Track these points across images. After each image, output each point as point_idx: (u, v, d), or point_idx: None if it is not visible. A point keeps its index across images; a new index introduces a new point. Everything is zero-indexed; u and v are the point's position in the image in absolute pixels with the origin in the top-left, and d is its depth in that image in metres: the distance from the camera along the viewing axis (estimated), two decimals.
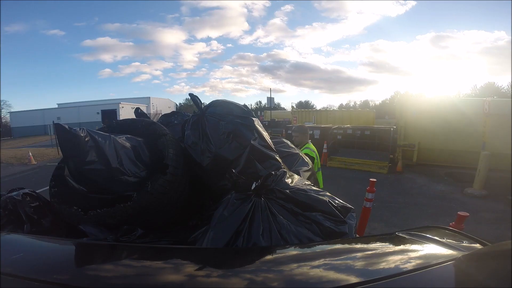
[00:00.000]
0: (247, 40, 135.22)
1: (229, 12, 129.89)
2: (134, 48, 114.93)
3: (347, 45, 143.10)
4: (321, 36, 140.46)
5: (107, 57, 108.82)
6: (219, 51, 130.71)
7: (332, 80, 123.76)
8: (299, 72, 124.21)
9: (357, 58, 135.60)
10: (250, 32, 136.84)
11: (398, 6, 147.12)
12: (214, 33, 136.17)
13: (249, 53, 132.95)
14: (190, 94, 1.42)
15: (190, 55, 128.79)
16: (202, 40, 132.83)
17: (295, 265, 0.64)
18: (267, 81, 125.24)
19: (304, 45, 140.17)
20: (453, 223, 2.27)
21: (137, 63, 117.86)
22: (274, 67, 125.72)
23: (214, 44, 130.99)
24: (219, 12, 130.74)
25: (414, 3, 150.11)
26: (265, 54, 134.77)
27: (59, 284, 0.53)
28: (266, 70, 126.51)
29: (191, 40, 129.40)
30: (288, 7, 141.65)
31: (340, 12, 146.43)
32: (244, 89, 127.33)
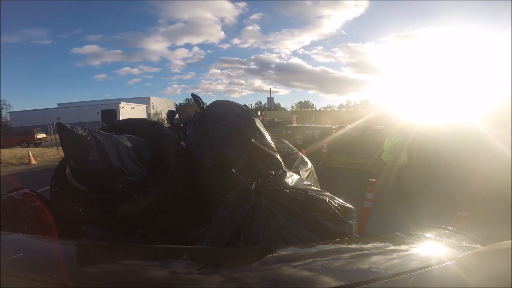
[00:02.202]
0: (225, 46, 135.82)
1: (203, 22, 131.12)
2: (123, 55, 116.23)
3: (321, 47, 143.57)
4: (293, 41, 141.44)
5: (97, 63, 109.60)
6: (202, 56, 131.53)
7: (322, 81, 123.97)
8: (287, 74, 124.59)
9: (336, 60, 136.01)
10: (226, 40, 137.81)
11: (353, 8, 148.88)
12: (194, 40, 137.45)
13: (231, 57, 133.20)
14: (192, 94, 1.46)
15: (176, 60, 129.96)
16: (184, 46, 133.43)
17: (295, 265, 0.64)
18: (258, 82, 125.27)
19: (281, 49, 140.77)
20: (453, 223, 2.27)
21: (127, 68, 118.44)
22: (260, 70, 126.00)
23: (196, 49, 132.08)
24: (194, 21, 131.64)
25: (366, 6, 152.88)
26: (245, 59, 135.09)
27: (59, 284, 0.53)
28: (253, 72, 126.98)
29: (173, 47, 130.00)
30: (255, 16, 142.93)
31: (301, 17, 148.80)
32: (238, 89, 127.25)
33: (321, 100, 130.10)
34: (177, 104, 60.44)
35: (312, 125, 13.45)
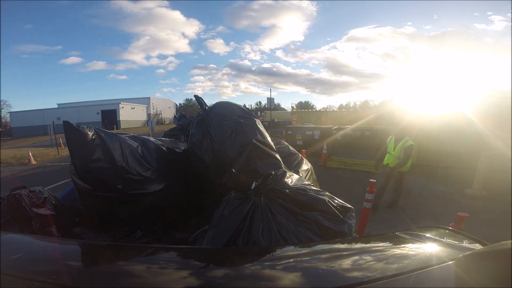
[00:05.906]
0: (195, 57, 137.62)
1: (167, 36, 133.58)
2: (107, 65, 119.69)
3: (282, 53, 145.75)
4: (254, 49, 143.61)
5: (84, 71, 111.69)
6: (175, 65, 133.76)
7: (306, 83, 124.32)
8: (267, 77, 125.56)
9: (306, 64, 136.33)
10: (195, 52, 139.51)
11: (291, 17, 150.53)
12: (164, 51, 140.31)
13: (205, 65, 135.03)
14: (195, 96, 1.51)
15: (156, 69, 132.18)
16: (158, 57, 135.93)
17: (294, 265, 0.64)
18: (244, 85, 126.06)
19: (248, 56, 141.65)
20: (453, 223, 2.27)
21: (113, 75, 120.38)
22: (239, 73, 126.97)
23: (171, 59, 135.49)
24: (155, 36, 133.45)
25: (302, 15, 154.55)
26: (220, 66, 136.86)
27: (59, 284, 0.53)
28: (234, 76, 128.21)
29: (149, 57, 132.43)
30: (213, 33, 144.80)
31: (250, 30, 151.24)
32: (225, 92, 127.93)
33: (315, 100, 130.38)
34: (177, 104, 60.62)
35: (312, 125, 13.42)
